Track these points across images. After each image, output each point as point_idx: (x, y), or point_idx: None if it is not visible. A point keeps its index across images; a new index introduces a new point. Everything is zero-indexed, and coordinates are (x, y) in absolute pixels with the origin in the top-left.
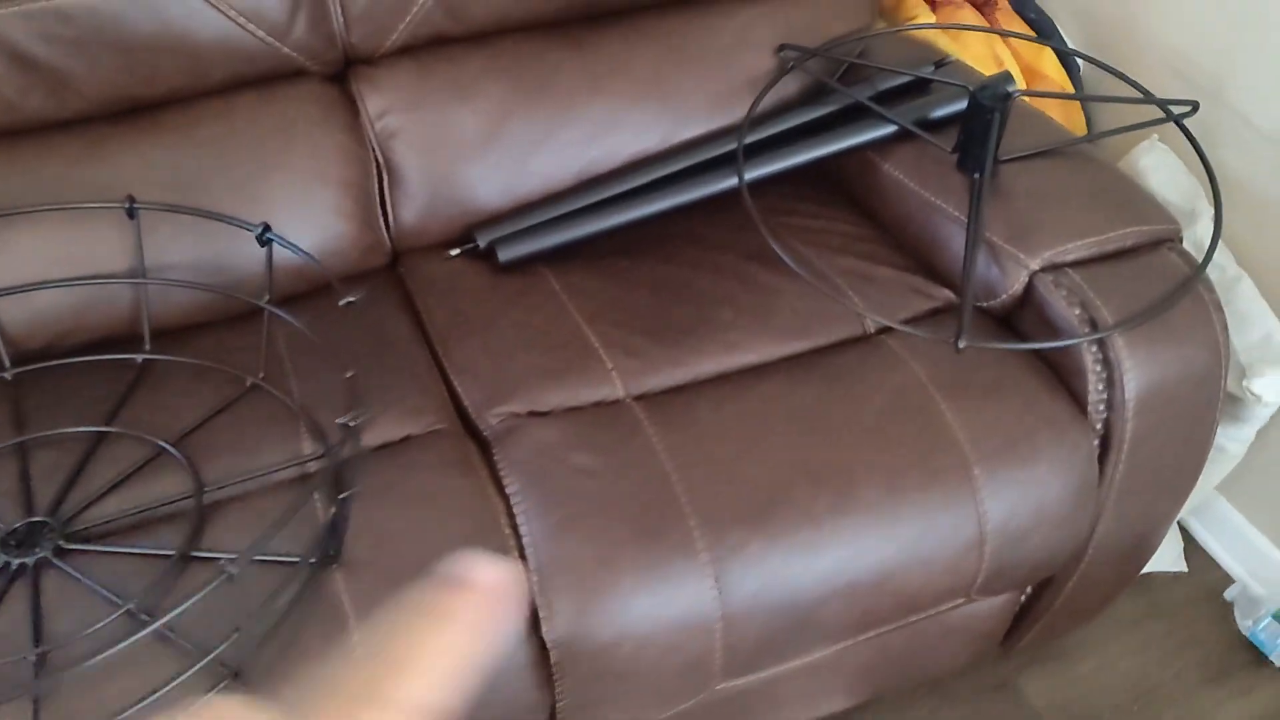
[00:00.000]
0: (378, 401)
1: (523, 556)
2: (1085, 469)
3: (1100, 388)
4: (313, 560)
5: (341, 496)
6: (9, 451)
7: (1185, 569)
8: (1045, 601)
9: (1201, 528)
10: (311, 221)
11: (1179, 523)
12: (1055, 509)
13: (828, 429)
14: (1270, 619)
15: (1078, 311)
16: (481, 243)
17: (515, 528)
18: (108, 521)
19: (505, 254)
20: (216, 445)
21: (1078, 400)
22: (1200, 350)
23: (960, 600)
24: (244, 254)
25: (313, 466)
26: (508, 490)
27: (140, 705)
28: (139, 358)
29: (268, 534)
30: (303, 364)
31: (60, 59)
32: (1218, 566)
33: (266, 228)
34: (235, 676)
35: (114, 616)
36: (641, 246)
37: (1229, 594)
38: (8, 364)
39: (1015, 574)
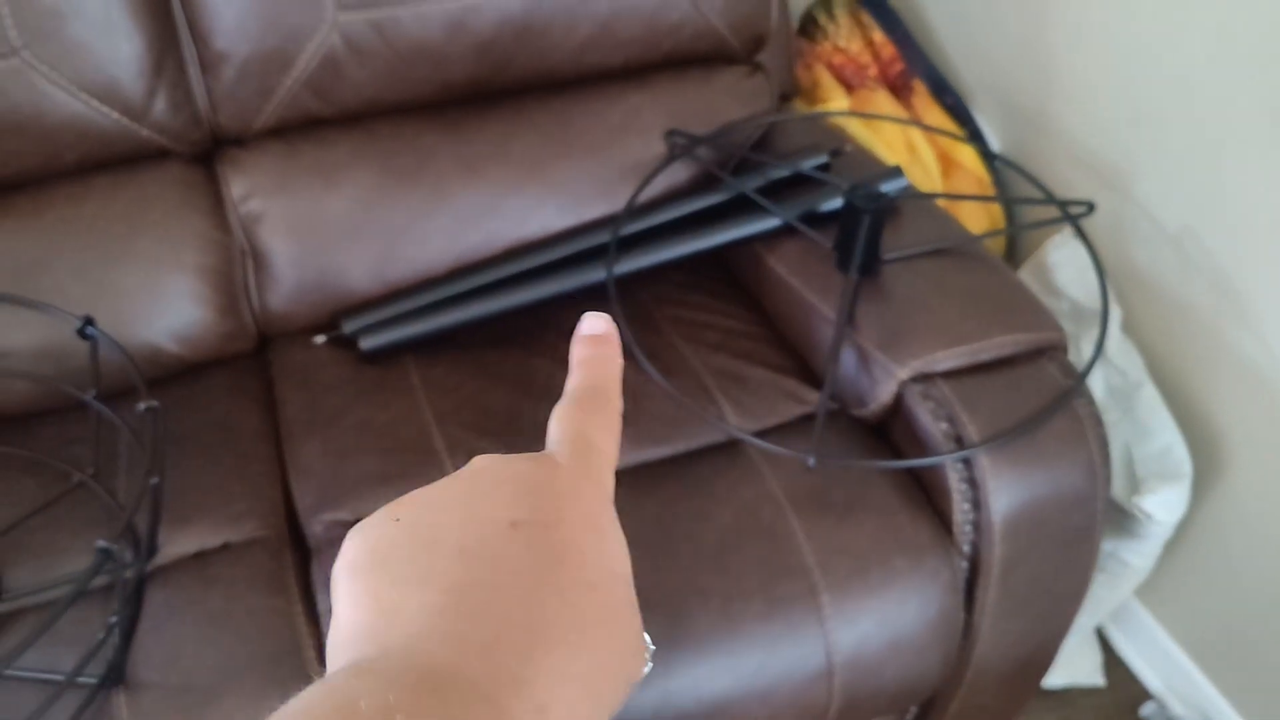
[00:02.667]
0: (201, 504)
1: None
2: (945, 596)
3: (966, 508)
4: (92, 680)
5: (111, 620)
6: None
7: (1103, 683)
8: None
9: (1121, 637)
10: (164, 308)
11: (1100, 632)
12: (912, 638)
13: (666, 550)
14: None
15: (944, 426)
16: (347, 330)
17: (323, 652)
18: None
19: (367, 343)
20: (30, 547)
21: (944, 520)
22: (1073, 470)
23: None
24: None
25: (100, 582)
26: (320, 609)
27: None
28: None
29: (13, 654)
30: (140, 460)
31: None
32: (1137, 680)
33: (89, 321)
34: None
35: None
36: (515, 338)
37: (1144, 712)
38: None
39: (875, 703)
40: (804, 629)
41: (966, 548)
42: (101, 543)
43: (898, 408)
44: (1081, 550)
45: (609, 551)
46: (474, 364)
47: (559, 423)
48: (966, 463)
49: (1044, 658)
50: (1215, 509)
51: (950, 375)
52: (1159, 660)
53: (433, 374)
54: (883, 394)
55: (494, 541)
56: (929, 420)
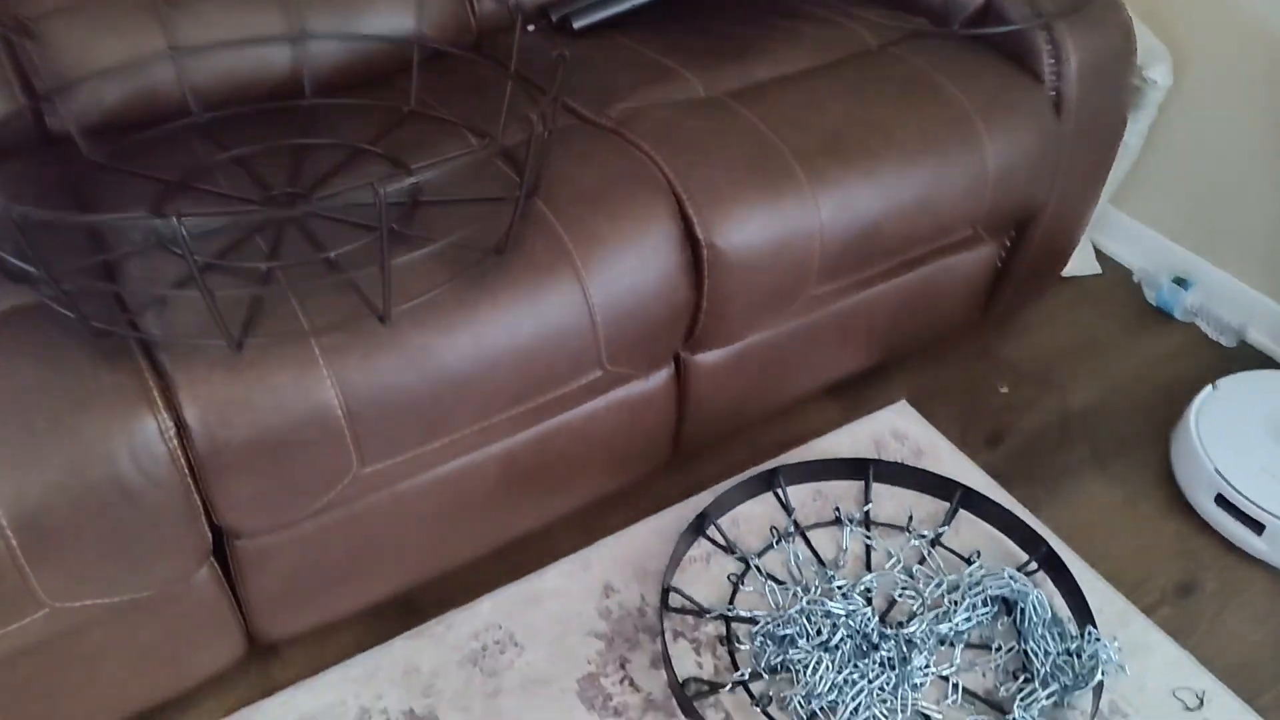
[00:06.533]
0: (514, 115)
1: (673, 188)
2: (1049, 121)
3: (1051, 63)
4: (522, 192)
5: (549, 130)
6: (226, 162)
7: (1099, 270)
8: (1018, 258)
9: (1106, 239)
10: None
11: (1090, 239)
12: (1032, 150)
13: (866, 100)
14: (1169, 283)
15: (1026, 10)
16: (555, 16)
17: (660, 169)
18: (336, 193)
19: (579, 21)
20: (401, 146)
21: (1035, 76)
22: (1118, 33)
23: (969, 232)
24: (374, 29)
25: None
26: (644, 147)
27: (427, 250)
28: (305, 103)
29: (488, 146)
30: (436, 99)
31: None
32: (1123, 266)
33: None
34: (498, 253)
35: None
36: (681, 16)
37: (1136, 276)
38: (196, 110)
39: (1008, 205)
40: (969, 142)
41: (1052, 92)
42: (560, 53)
43: (987, 8)
44: (1122, 89)
45: None
46: (663, 29)
47: None
48: (1049, 30)
49: (1092, 195)
50: (1178, 117)
51: None
52: (1139, 246)
53: (637, 37)
54: (975, 1)
55: None
56: (1017, 6)
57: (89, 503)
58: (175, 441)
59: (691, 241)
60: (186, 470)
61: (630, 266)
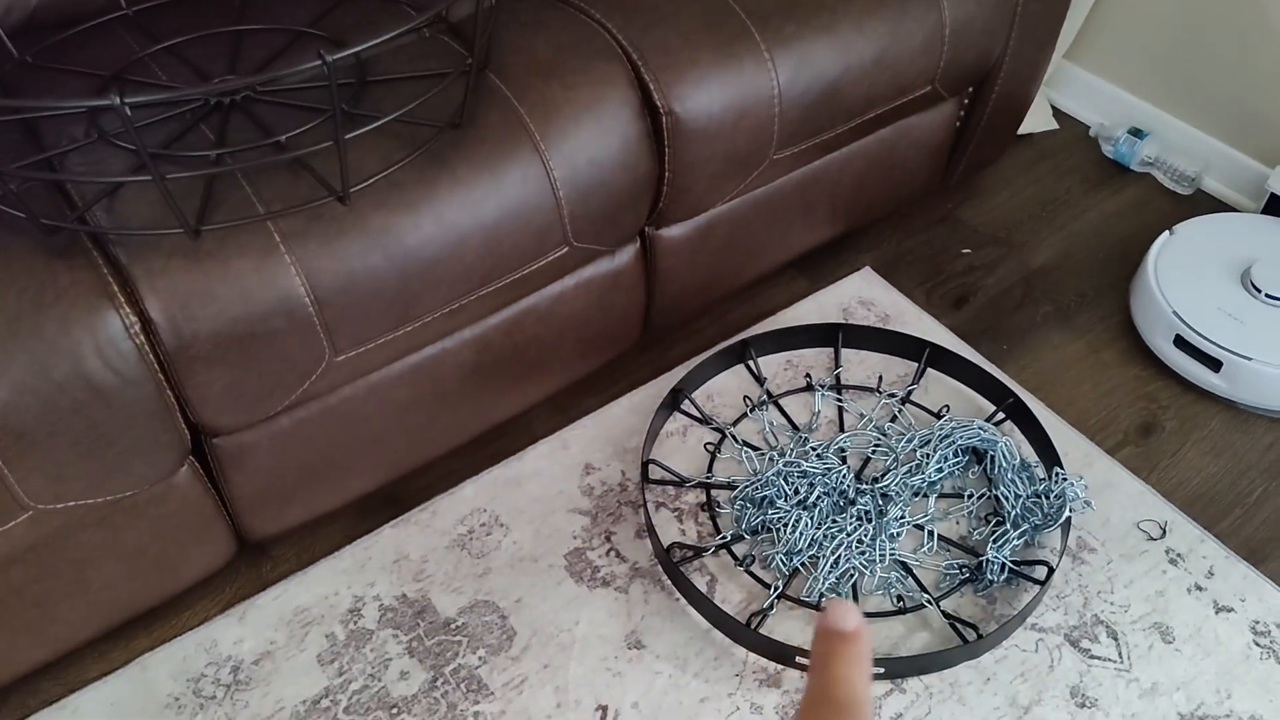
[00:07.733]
0: None
1: (627, 55)
2: None
3: None
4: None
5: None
6: (162, 53)
7: (1056, 126)
8: (976, 116)
9: (1061, 96)
10: None
11: (1046, 95)
12: (988, 5)
13: None
14: (1125, 135)
15: None
16: None
17: (613, 36)
18: (283, 74)
19: None
20: (344, 28)
21: None
22: None
23: (928, 89)
24: None
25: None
26: (595, 15)
27: (380, 123)
28: None
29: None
30: None
31: None
32: (1079, 122)
33: None
34: (453, 127)
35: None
36: None
37: (1092, 131)
38: (125, 5)
39: (965, 59)
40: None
41: None
42: None
43: None
44: None
45: None
46: None
47: None
48: None
49: (1045, 55)
50: None
51: None
52: (1096, 100)
53: None
54: None
55: None
56: None
57: (60, 402)
58: (142, 337)
59: (650, 110)
60: (157, 366)
61: (590, 136)
